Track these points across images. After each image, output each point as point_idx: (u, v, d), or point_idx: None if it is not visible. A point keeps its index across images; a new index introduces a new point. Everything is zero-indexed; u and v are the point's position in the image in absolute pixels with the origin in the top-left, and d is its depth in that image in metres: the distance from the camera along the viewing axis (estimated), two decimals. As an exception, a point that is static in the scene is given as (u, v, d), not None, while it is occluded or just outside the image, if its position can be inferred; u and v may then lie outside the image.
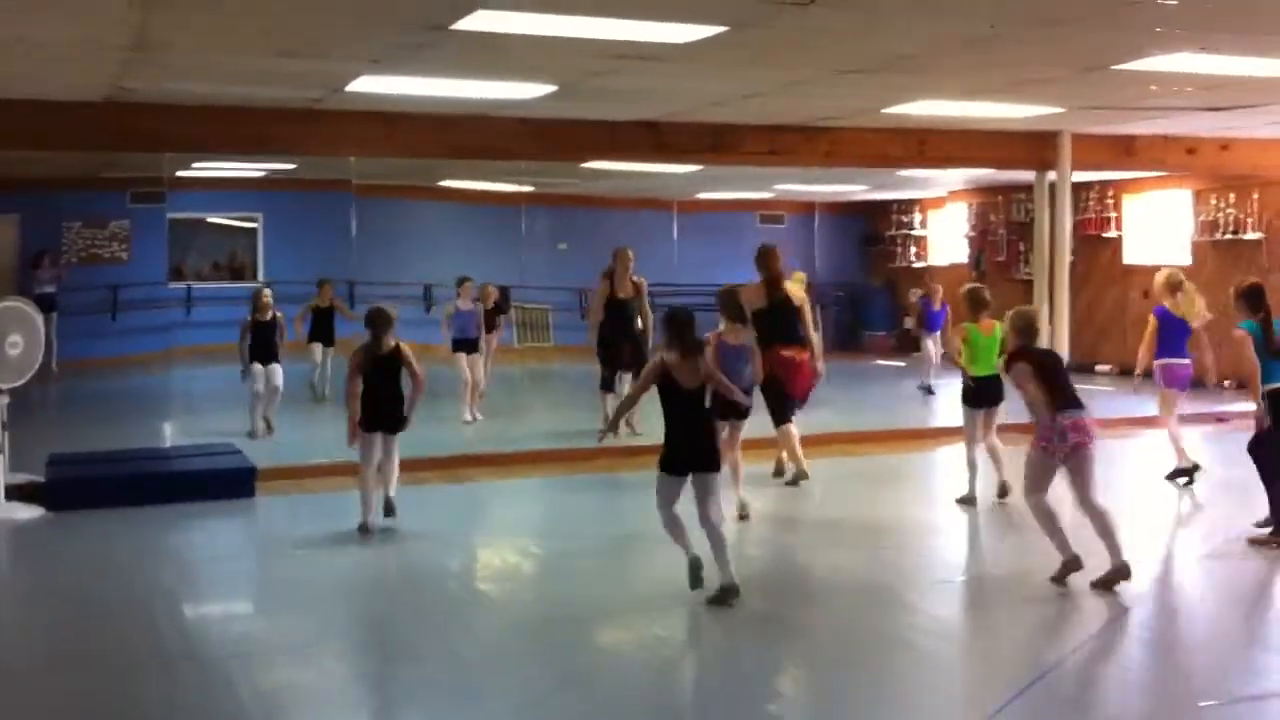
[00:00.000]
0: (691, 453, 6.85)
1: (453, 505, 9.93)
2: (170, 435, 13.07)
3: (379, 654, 6.33)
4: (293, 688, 5.87)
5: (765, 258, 10.57)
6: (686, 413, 6.84)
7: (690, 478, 6.87)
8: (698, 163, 13.93)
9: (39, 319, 9.65)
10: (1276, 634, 6.70)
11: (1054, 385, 7.21)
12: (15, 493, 9.52)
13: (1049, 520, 7.25)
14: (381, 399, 8.63)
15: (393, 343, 8.73)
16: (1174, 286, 10.47)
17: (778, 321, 9.98)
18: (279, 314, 12.71)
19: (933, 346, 16.92)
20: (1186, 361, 10.43)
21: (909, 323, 17.91)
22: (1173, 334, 10.44)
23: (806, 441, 10.39)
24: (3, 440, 9.42)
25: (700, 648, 6.43)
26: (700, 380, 6.88)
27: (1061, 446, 7.12)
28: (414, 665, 6.10)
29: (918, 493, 10.49)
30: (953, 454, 10.48)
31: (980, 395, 9.38)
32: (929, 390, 16.52)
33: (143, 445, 11.73)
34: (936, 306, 17.16)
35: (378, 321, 8.75)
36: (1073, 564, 7.17)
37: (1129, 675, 5.88)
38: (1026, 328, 7.62)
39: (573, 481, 10.70)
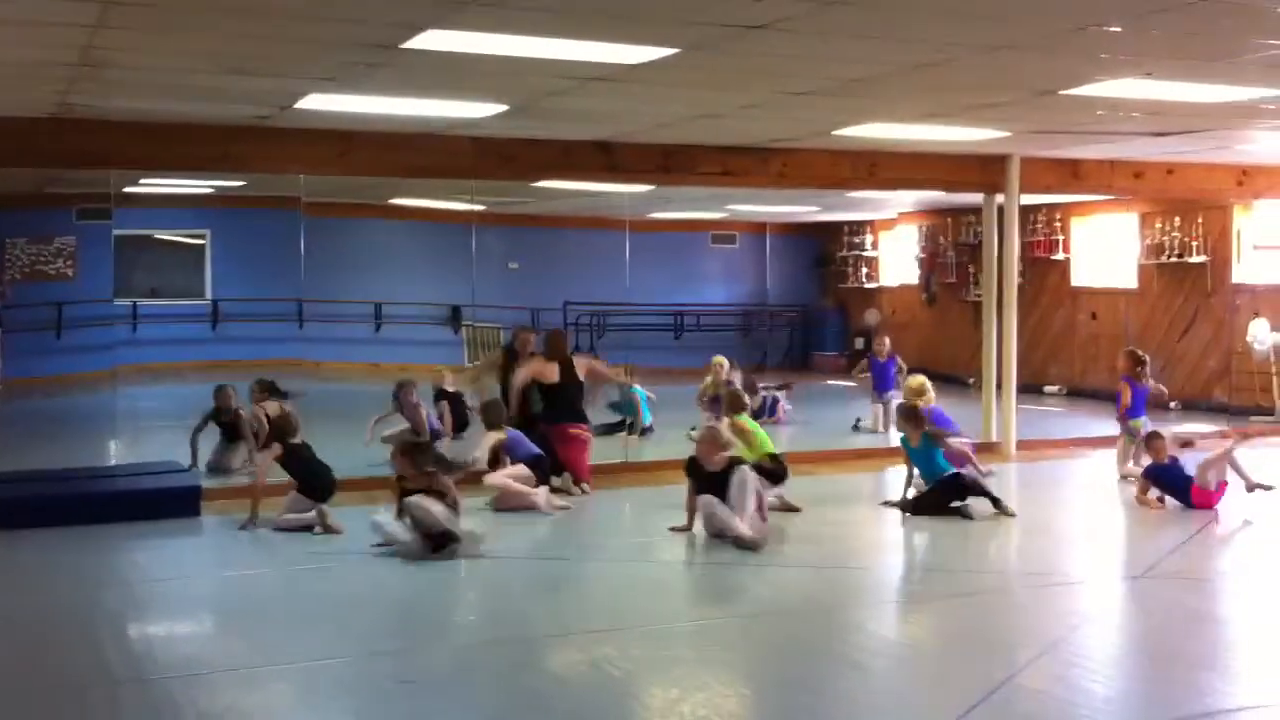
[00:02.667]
0: None
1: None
2: (115, 454, 12.91)
3: (327, 676, 6.25)
4: (239, 710, 5.79)
5: (555, 341, 11.78)
6: None
7: None
8: (650, 183, 13.95)
9: None
10: (1219, 654, 6.75)
11: None
12: (-44, 512, 9.39)
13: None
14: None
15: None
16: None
17: (567, 398, 11.24)
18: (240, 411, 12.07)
19: (882, 413, 14.98)
20: None
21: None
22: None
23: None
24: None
25: (650, 668, 6.39)
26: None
27: None
28: (363, 688, 6.04)
29: (866, 512, 10.51)
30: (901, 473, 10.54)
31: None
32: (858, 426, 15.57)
33: (87, 464, 11.58)
34: (883, 358, 15.57)
35: None
36: None
37: (1076, 694, 5.90)
38: None
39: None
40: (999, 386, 13.68)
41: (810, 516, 9.90)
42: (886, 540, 9.56)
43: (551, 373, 11.26)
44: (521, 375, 11.31)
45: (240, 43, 7.48)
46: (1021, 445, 13.20)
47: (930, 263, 21.96)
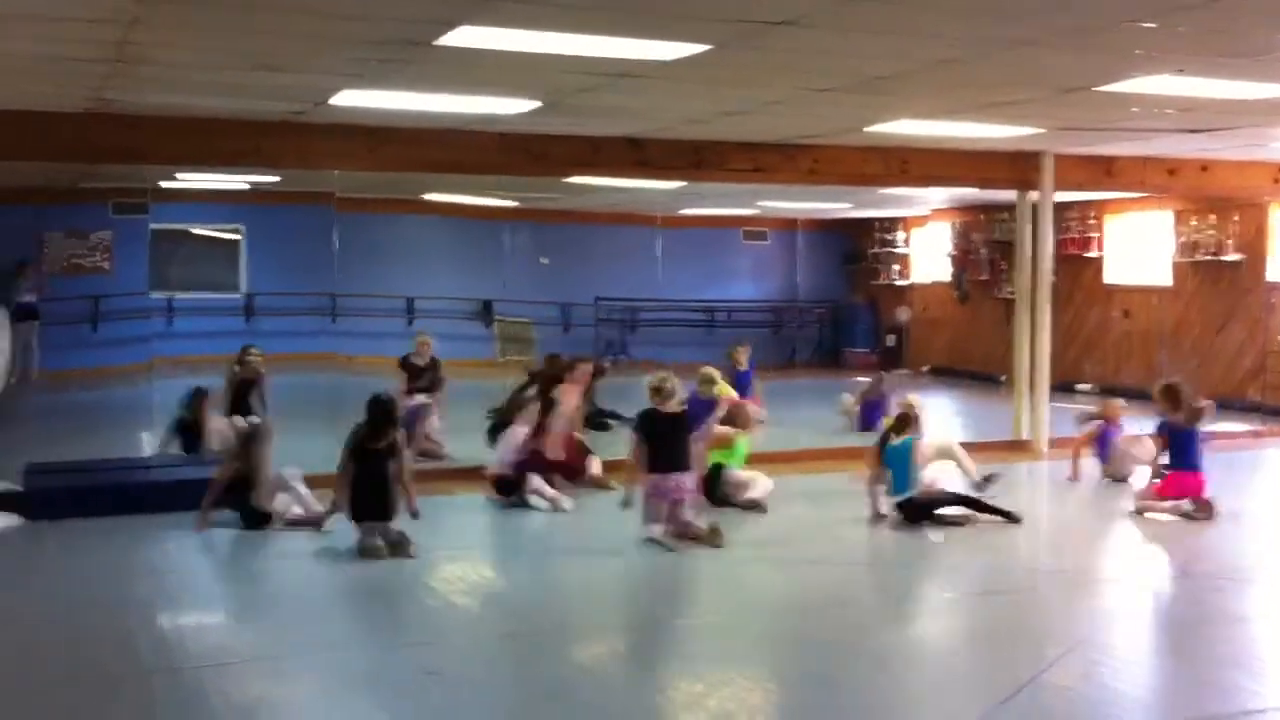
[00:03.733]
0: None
1: (429, 520, 9.86)
2: (150, 445, 13.02)
3: (356, 667, 6.31)
4: (268, 701, 5.86)
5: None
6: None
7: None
8: (680, 179, 13.95)
9: (8, 329, 9.71)
10: (1246, 653, 6.72)
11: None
12: (-7, 501, 9.52)
13: None
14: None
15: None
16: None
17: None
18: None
19: None
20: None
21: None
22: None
23: (786, 458, 10.43)
24: (-19, 449, 9.42)
25: (674, 662, 6.42)
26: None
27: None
28: (390, 679, 6.09)
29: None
30: (937, 468, 10.50)
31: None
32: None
33: (122, 455, 11.69)
34: (743, 367, 14.78)
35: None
36: None
37: (1103, 692, 5.89)
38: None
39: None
40: (1031, 385, 13.62)
41: (829, 513, 9.87)
42: (907, 537, 9.53)
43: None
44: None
45: (273, 39, 7.54)
46: (1054, 444, 13.13)
47: (962, 260, 21.87)
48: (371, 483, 8.46)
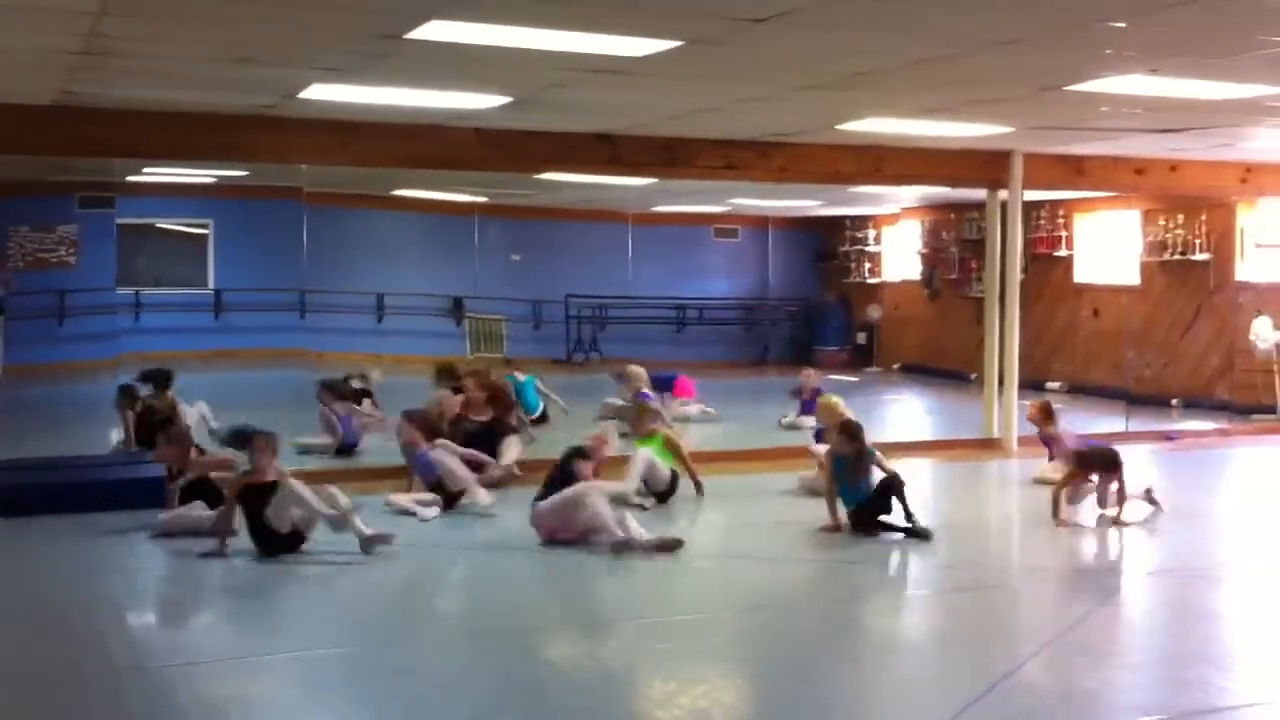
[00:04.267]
0: None
1: (391, 519, 9.80)
2: (117, 442, 12.90)
3: (327, 666, 6.26)
4: (240, 699, 5.80)
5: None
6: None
7: None
8: (652, 176, 13.93)
9: None
10: (1220, 651, 6.76)
11: None
12: (-43, 499, 9.40)
13: None
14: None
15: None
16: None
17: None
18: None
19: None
20: None
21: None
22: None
23: (752, 456, 10.43)
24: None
25: (648, 660, 6.40)
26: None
27: None
28: (362, 678, 6.05)
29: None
30: (909, 466, 10.50)
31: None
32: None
33: (90, 452, 11.57)
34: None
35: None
36: None
37: (1077, 690, 5.91)
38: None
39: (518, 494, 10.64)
40: (1001, 382, 13.68)
41: (806, 512, 9.87)
42: (882, 536, 9.53)
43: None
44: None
45: (244, 31, 7.47)
46: (1023, 441, 13.19)
47: (933, 258, 21.95)
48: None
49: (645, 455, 10.03)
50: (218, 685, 5.94)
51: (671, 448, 10.44)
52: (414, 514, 9.48)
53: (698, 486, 10.38)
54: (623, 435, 11.38)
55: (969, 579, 8.08)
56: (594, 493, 8.56)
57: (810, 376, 14.92)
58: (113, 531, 8.96)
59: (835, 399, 11.26)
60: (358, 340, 20.68)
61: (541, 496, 8.75)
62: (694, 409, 15.34)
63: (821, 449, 10.24)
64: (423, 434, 10.13)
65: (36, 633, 6.76)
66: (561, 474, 8.80)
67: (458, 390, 11.83)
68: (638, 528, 8.52)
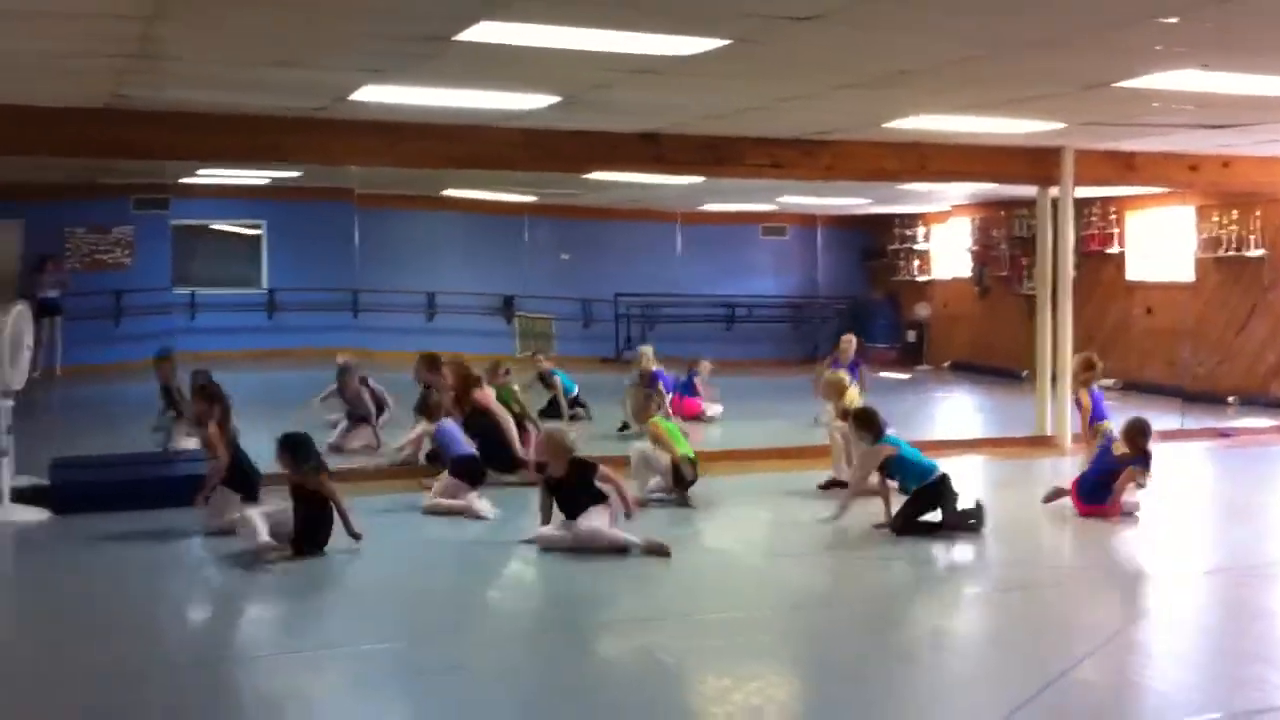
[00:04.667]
0: None
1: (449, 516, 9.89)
2: (174, 439, 13.05)
3: (379, 661, 6.31)
4: (296, 694, 5.87)
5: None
6: None
7: None
8: (698, 175, 13.93)
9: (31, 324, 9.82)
10: (1276, 649, 6.69)
11: None
12: (19, 496, 9.56)
13: None
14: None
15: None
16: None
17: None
18: None
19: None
20: None
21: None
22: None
23: (808, 453, 10.42)
24: (7, 443, 9.46)
25: (700, 657, 6.41)
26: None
27: None
28: (413, 674, 6.09)
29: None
30: (960, 464, 10.43)
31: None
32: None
33: (146, 449, 11.73)
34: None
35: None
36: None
37: (1133, 688, 5.87)
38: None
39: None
40: (1053, 380, 13.57)
41: (852, 508, 9.85)
42: (937, 534, 9.49)
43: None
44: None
45: (294, 34, 7.55)
46: (1076, 439, 13.08)
47: (983, 255, 21.81)
48: None
49: (636, 453, 9.99)
50: (275, 680, 6.02)
51: (654, 438, 10.09)
52: (480, 515, 9.48)
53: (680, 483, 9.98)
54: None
55: (1021, 577, 8.03)
56: (604, 533, 8.36)
57: (850, 343, 14.83)
58: (170, 528, 9.06)
59: (843, 375, 11.29)
60: (409, 339, 20.71)
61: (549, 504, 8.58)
62: (714, 410, 15.31)
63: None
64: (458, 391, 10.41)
65: (97, 628, 6.85)
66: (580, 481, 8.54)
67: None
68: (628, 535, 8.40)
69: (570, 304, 22.67)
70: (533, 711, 5.59)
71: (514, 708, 5.66)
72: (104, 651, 6.40)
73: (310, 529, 8.25)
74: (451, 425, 10.25)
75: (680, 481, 9.94)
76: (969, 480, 10.24)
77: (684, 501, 9.84)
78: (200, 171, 16.67)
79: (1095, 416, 10.80)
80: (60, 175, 17.34)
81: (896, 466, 9.11)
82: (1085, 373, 11.12)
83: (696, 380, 15.40)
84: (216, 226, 21.80)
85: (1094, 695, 5.79)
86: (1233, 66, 8.38)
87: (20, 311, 9.66)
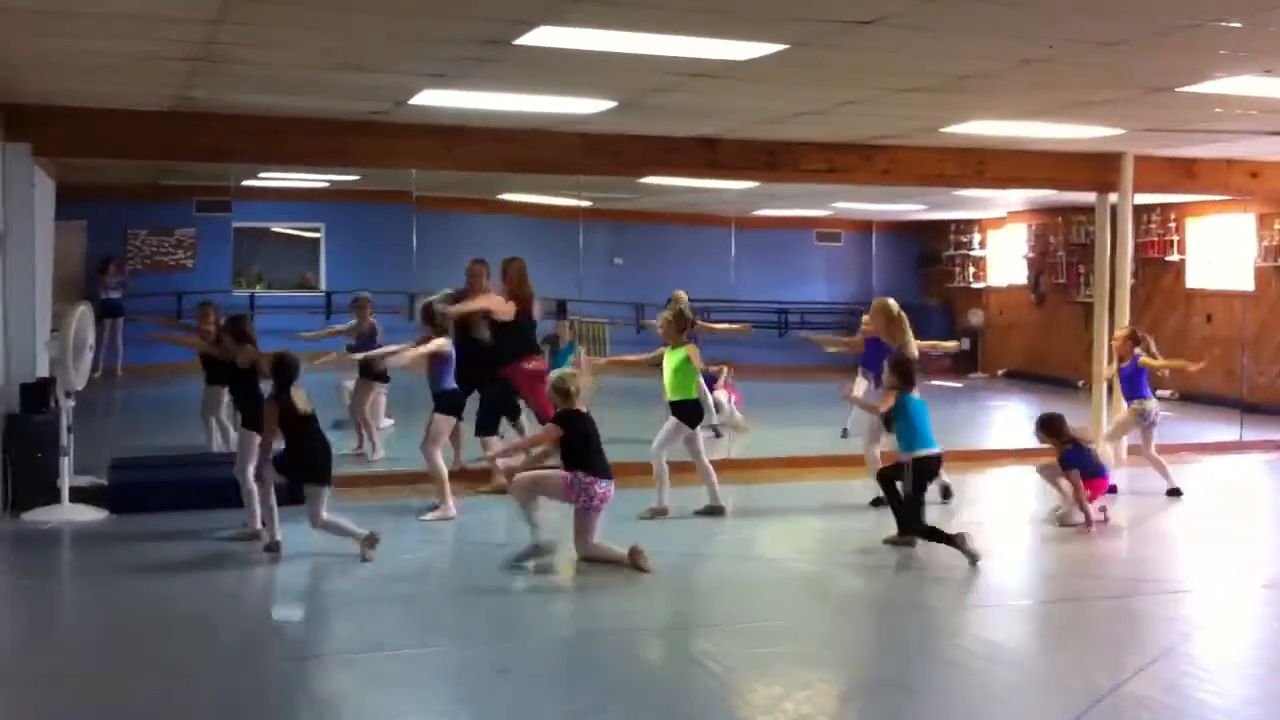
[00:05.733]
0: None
1: (491, 519, 9.92)
2: (233, 440, 13.20)
3: (428, 663, 6.37)
4: (346, 694, 5.93)
5: (515, 273, 11.57)
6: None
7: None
8: (754, 179, 13.94)
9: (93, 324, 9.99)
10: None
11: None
12: (78, 495, 9.71)
13: None
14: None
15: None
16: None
17: (523, 334, 11.15)
18: None
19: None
20: None
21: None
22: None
23: (863, 460, 10.39)
24: (67, 443, 9.61)
25: (749, 664, 6.41)
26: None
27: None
28: (463, 676, 6.14)
29: (972, 514, 10.38)
30: (1012, 474, 10.43)
31: None
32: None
33: (203, 450, 11.87)
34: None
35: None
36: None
37: (1187, 703, 5.81)
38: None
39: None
40: (1109, 390, 13.44)
41: (887, 519, 9.79)
42: (985, 542, 9.44)
43: (506, 309, 11.03)
44: (473, 305, 10.99)
45: (356, 39, 7.64)
46: (1131, 450, 12.96)
47: (1039, 262, 21.63)
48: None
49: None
50: (327, 682, 6.08)
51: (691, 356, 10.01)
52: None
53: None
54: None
55: (1073, 589, 7.98)
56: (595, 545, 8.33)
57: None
58: (229, 527, 9.17)
59: (890, 300, 11.24)
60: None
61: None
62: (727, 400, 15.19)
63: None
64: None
65: (154, 626, 6.96)
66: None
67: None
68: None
69: (624, 308, 22.70)
70: (578, 716, 5.61)
71: (558, 712, 5.68)
72: (159, 649, 6.51)
73: (295, 458, 8.44)
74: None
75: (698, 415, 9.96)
76: (1020, 491, 10.14)
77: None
78: (262, 174, 16.85)
79: (1134, 392, 11.16)
80: (122, 177, 17.57)
81: (907, 409, 8.88)
82: (1127, 343, 11.33)
83: (719, 388, 15.27)
84: (276, 229, 22.02)
85: (1148, 710, 5.72)
86: (1298, 73, 8.29)
87: (83, 313, 9.81)
